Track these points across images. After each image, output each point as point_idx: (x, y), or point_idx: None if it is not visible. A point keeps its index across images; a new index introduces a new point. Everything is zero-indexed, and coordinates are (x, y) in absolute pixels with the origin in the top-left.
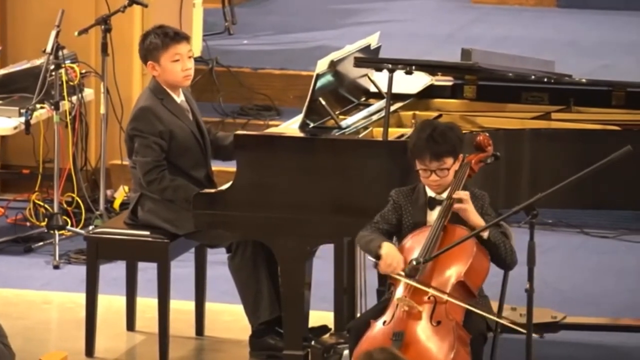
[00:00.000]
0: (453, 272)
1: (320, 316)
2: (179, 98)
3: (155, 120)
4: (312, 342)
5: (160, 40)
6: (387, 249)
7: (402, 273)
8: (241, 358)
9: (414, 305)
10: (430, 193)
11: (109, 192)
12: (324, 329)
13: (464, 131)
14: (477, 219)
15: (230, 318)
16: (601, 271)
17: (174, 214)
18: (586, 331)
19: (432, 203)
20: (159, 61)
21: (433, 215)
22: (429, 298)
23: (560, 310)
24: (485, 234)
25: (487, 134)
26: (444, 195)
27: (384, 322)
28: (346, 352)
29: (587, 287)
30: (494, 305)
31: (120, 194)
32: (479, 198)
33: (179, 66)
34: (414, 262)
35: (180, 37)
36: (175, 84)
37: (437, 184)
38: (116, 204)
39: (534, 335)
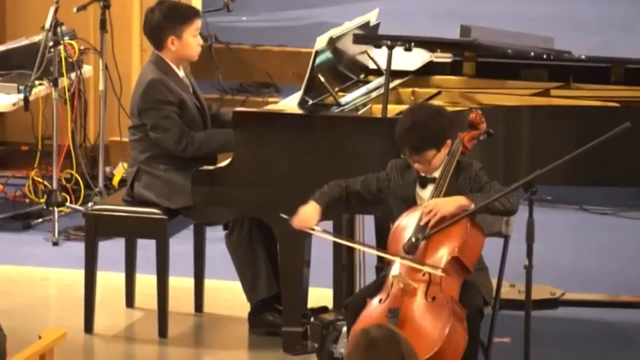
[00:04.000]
0: (447, 248)
1: (319, 293)
2: (181, 73)
3: (166, 91)
4: (311, 319)
5: (187, 14)
6: (308, 206)
7: (316, 229)
8: (240, 335)
9: (409, 282)
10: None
11: (107, 168)
12: (323, 310)
13: (461, 109)
14: (457, 204)
15: (229, 295)
16: (600, 248)
17: (167, 188)
18: (585, 308)
19: (423, 181)
20: (182, 35)
21: (424, 192)
22: (423, 275)
23: (558, 286)
24: (471, 207)
25: (480, 111)
26: (435, 173)
27: (380, 300)
28: (345, 328)
29: (586, 264)
30: (493, 282)
31: (119, 171)
32: (466, 169)
33: (197, 41)
34: (413, 239)
35: (199, 11)
36: (190, 58)
37: (423, 170)
38: (115, 181)
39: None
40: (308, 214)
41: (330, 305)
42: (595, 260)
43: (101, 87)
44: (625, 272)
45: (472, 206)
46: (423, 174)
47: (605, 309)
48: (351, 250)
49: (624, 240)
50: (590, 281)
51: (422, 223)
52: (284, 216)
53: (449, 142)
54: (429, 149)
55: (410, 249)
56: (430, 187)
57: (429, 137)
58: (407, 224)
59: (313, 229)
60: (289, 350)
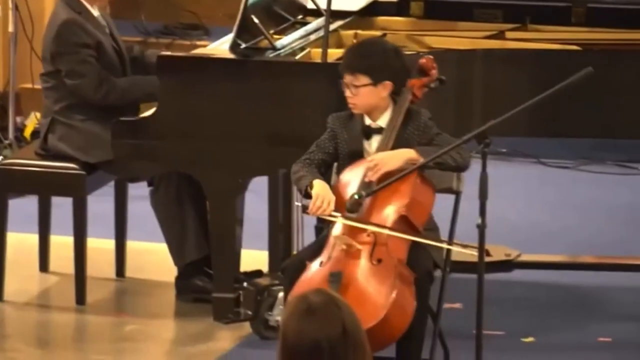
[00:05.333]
0: (394, 206)
1: (253, 256)
2: (96, 12)
3: (82, 33)
4: (244, 284)
5: None
6: (318, 188)
7: (335, 214)
8: (166, 301)
9: (353, 243)
10: (367, 121)
11: (18, 119)
12: (258, 274)
13: (409, 52)
14: (404, 157)
15: (154, 258)
16: (559, 204)
17: (85, 140)
18: (542, 270)
19: (367, 132)
20: None
21: (370, 145)
22: (368, 235)
23: (514, 247)
24: (420, 161)
25: (431, 56)
26: (380, 123)
27: (321, 262)
28: (281, 294)
29: (544, 222)
30: None
31: (32, 122)
32: (414, 118)
33: None
34: (356, 196)
35: None
36: None
37: (351, 102)
38: (27, 133)
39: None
40: (327, 194)
41: (265, 269)
42: (553, 218)
43: (10, 28)
44: (586, 230)
45: (421, 160)
46: (368, 123)
47: (564, 272)
48: (288, 208)
49: (585, 196)
50: (548, 241)
51: (367, 179)
52: (298, 204)
53: (389, 84)
54: (363, 74)
55: (354, 207)
56: (376, 138)
57: (369, 62)
58: (349, 179)
59: (332, 215)
60: (219, 318)
